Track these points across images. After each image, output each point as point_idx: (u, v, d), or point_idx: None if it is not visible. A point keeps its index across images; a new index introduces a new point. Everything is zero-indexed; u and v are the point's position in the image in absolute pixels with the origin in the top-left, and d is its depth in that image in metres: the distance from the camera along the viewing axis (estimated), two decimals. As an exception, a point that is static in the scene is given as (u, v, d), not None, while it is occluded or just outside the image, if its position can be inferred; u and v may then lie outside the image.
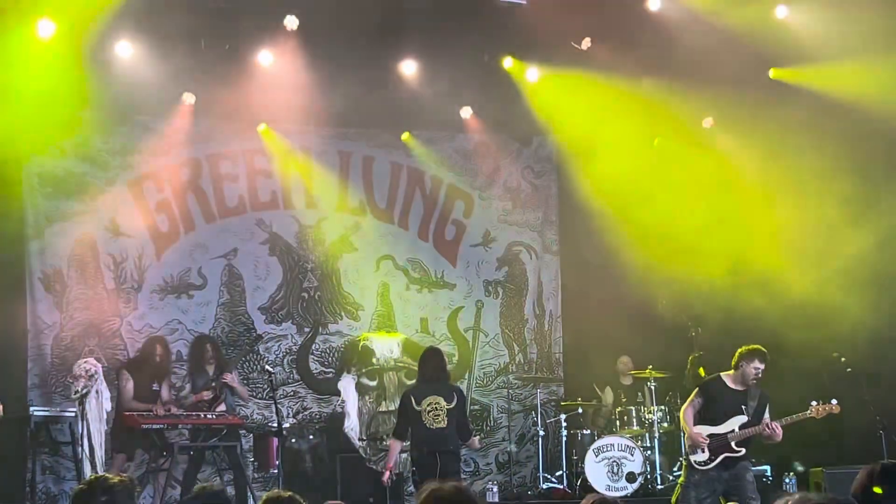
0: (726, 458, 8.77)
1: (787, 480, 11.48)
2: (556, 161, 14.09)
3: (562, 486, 11.91)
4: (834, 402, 8.88)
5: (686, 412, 9.00)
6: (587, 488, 11.23)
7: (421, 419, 9.40)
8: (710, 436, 8.79)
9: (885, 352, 11.48)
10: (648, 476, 11.57)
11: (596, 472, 11.42)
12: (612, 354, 13.02)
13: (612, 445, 11.56)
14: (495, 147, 13.85)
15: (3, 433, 10.33)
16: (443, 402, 9.45)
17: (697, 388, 9.17)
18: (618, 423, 12.11)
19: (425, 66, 11.81)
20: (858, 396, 10.35)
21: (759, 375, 8.79)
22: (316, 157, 13.23)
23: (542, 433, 12.19)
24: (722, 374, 9.01)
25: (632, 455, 11.46)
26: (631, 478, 11.38)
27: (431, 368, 9.71)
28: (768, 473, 11.75)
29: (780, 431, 8.71)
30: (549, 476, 12.10)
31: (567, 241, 14.05)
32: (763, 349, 8.87)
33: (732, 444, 8.74)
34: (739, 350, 8.94)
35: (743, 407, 8.78)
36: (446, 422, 9.40)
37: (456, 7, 10.83)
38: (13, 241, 11.83)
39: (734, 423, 8.78)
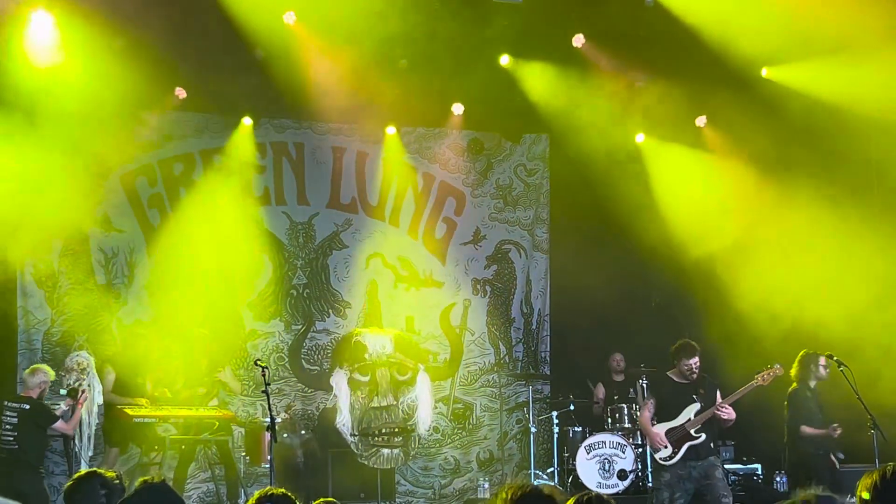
0: (690, 448, 8.92)
1: (777, 479, 11.53)
2: (548, 159, 14.07)
3: (553, 483, 11.91)
4: (777, 365, 8.97)
5: (643, 417, 9.24)
6: (578, 485, 11.27)
7: None
8: (670, 430, 8.99)
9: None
10: (640, 474, 11.59)
11: (587, 469, 11.45)
12: (600, 352, 13.04)
13: (604, 443, 11.59)
14: (488, 144, 13.85)
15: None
16: None
17: (649, 391, 9.35)
18: (609, 420, 12.13)
19: (419, 63, 11.79)
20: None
21: (695, 369, 9.00)
22: (309, 153, 13.21)
23: (534, 430, 12.20)
24: (668, 372, 9.23)
25: (623, 452, 11.50)
26: (622, 475, 11.40)
27: None
28: (759, 472, 11.82)
29: (730, 410, 8.88)
30: (540, 473, 12.11)
31: (557, 240, 14.01)
32: (690, 343, 9.12)
33: (691, 431, 8.92)
34: (673, 347, 9.18)
35: (694, 396, 9.02)
36: None
37: (451, 4, 10.83)
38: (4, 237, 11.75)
39: (689, 412, 9.01)
